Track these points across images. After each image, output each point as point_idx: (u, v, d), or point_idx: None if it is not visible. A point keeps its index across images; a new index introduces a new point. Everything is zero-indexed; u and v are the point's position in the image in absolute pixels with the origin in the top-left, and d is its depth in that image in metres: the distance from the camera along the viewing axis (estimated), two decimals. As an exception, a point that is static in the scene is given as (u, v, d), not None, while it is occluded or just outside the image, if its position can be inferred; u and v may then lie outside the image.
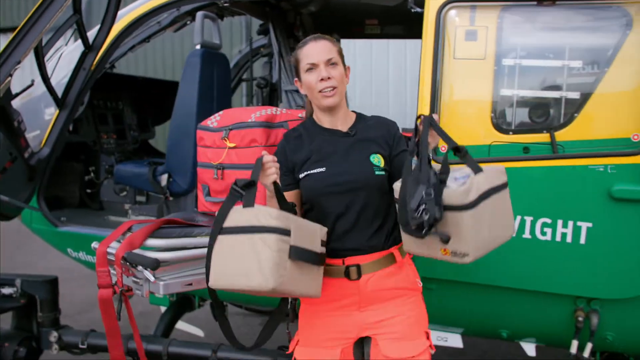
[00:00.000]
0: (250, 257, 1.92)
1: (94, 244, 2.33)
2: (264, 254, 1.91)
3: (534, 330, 3.21)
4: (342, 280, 2.27)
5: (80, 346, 3.48)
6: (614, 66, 2.80)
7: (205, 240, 2.37)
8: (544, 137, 2.87)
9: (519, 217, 2.86)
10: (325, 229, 2.18)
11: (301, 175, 2.29)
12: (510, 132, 2.92)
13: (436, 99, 2.93)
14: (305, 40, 2.33)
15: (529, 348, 3.33)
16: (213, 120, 2.71)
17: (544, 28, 2.94)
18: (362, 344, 2.38)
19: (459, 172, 2.11)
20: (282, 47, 4.21)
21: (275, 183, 2.11)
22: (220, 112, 2.75)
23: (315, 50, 2.25)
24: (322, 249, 2.13)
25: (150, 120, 5.20)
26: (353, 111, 2.44)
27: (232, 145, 2.57)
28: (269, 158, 2.07)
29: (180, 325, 4.11)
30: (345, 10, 4.40)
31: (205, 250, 2.33)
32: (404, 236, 2.13)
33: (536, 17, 2.91)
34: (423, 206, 1.93)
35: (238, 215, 1.98)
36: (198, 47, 3.78)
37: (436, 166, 2.14)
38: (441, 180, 2.03)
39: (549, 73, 2.95)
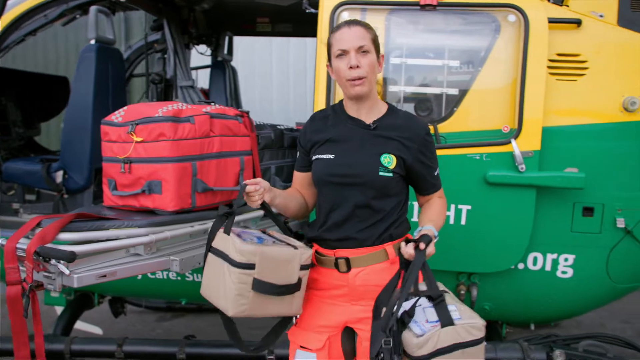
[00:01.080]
0: (221, 281, 2.11)
1: (1, 240, 2.30)
2: (228, 283, 2.07)
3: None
4: (333, 271, 2.28)
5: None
6: (486, 66, 3.14)
7: (117, 232, 2.41)
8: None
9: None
10: (309, 252, 2.20)
11: (313, 158, 2.32)
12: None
13: (331, 95, 3.14)
14: (339, 24, 2.26)
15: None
16: (117, 116, 2.72)
17: (426, 30, 3.23)
18: (353, 336, 2.37)
19: (433, 316, 2.05)
20: (176, 43, 4.24)
21: (263, 204, 2.22)
22: (125, 108, 2.76)
23: (347, 36, 2.17)
24: (299, 274, 2.15)
25: (36, 116, 5.00)
26: (387, 102, 2.38)
27: (139, 139, 2.60)
28: (251, 188, 2.16)
29: (78, 324, 4.04)
30: (238, 8, 4.48)
31: (118, 242, 2.40)
32: None
33: (420, 20, 3.19)
34: (381, 355, 1.98)
35: (218, 240, 2.18)
36: (92, 42, 3.72)
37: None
38: (403, 322, 2.02)
39: (431, 71, 3.25)
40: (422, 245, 2.07)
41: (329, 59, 2.29)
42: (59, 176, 3.65)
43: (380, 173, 2.20)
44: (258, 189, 2.18)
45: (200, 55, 5.12)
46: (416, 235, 2.15)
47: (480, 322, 2.06)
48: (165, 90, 4.52)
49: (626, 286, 3.37)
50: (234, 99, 5.01)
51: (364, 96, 2.23)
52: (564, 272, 3.26)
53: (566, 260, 3.25)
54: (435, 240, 2.14)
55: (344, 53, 2.18)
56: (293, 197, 2.43)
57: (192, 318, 5.53)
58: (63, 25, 4.46)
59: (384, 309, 2.09)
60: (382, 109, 2.32)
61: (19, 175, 3.75)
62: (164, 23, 4.22)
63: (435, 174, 2.37)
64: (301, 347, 2.34)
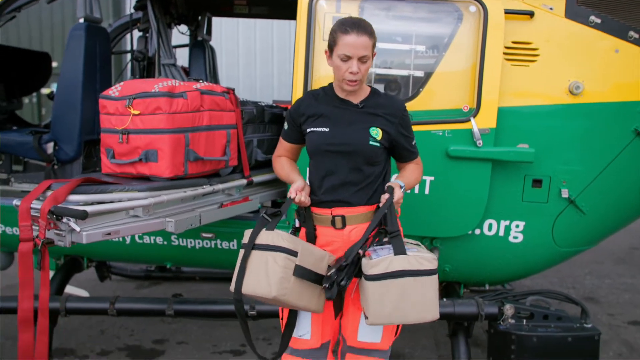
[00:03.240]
0: (263, 270, 2.34)
1: (16, 201, 2.55)
2: (272, 269, 2.33)
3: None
4: (329, 229, 2.59)
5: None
6: (449, 51, 3.45)
7: (120, 195, 2.69)
8: (396, 107, 3.49)
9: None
10: (333, 257, 2.50)
11: (308, 130, 2.60)
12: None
13: (309, 75, 3.42)
14: (347, 24, 2.46)
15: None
16: (114, 90, 2.96)
17: (396, 17, 3.53)
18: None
19: (388, 250, 2.41)
20: (159, 23, 4.45)
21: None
22: (121, 83, 3.01)
23: (355, 44, 2.41)
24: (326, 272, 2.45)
25: (18, 91, 5.14)
26: (369, 85, 2.70)
27: (136, 112, 2.86)
28: (297, 198, 2.52)
29: (67, 288, 4.28)
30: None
31: (122, 204, 2.67)
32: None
33: (390, 7, 3.48)
34: (326, 285, 2.38)
35: (263, 236, 2.41)
36: (81, 20, 3.92)
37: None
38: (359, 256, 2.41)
39: (400, 55, 3.55)
40: (386, 195, 2.49)
41: (330, 50, 2.52)
42: (49, 147, 3.86)
43: (370, 143, 2.56)
44: (306, 193, 2.58)
45: (179, 34, 5.32)
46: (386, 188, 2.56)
47: (431, 256, 2.40)
48: (147, 67, 4.72)
49: (569, 250, 3.77)
50: (213, 77, 5.24)
51: (355, 92, 2.60)
52: (515, 237, 3.64)
53: (517, 226, 3.63)
54: (402, 189, 2.55)
55: (347, 59, 2.45)
56: (295, 166, 2.81)
57: (169, 285, 5.79)
58: (48, 3, 4.63)
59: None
60: (367, 91, 2.66)
61: (11, 146, 3.94)
62: (147, 3, 4.42)
63: (413, 143, 2.73)
64: None
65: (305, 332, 2.60)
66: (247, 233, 2.46)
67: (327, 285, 2.38)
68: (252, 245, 2.39)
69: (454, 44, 3.46)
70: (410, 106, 3.45)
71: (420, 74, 3.49)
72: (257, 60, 10.66)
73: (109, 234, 2.58)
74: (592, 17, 3.42)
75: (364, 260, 2.39)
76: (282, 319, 2.68)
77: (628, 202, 3.72)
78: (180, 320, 4.78)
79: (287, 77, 10.43)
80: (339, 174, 2.58)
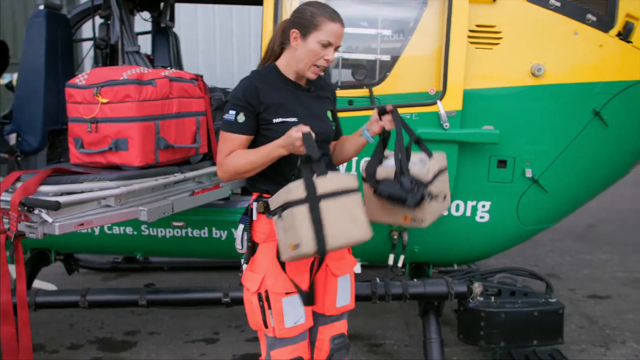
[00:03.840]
0: (346, 216, 2.19)
1: (-17, 194, 2.50)
2: (356, 211, 2.23)
3: (361, 251, 3.90)
4: None
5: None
6: (415, 35, 3.51)
7: (92, 185, 2.65)
8: (364, 92, 3.52)
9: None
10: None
11: (275, 120, 2.40)
12: (338, 88, 3.51)
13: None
14: (334, 13, 2.41)
15: (357, 267, 4.05)
16: (81, 79, 2.91)
17: (362, 1, 3.57)
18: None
19: (416, 156, 2.74)
20: (122, 9, 4.38)
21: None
22: (87, 71, 2.96)
23: (339, 33, 2.41)
24: None
25: (-25, 81, 5.00)
26: None
27: (105, 100, 2.82)
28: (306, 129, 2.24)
29: (34, 283, 4.21)
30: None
31: (94, 193, 2.64)
32: (374, 207, 2.63)
33: (357, -8, 3.52)
34: (415, 186, 2.51)
35: (323, 183, 2.18)
36: (41, 7, 3.82)
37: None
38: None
39: (366, 39, 3.60)
40: (389, 107, 2.56)
41: (305, 33, 2.38)
42: (12, 138, 3.77)
43: (333, 127, 2.61)
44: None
45: (141, 21, 5.24)
46: (374, 114, 2.60)
47: (444, 153, 2.95)
48: (110, 55, 4.64)
49: (533, 228, 3.89)
50: (177, 65, 5.19)
51: None
52: (481, 217, 3.74)
53: (484, 206, 3.73)
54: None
55: (329, 45, 2.39)
56: None
57: (137, 277, 5.74)
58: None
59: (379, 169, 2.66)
60: None
61: None
62: (110, -9, 4.34)
63: None
64: (286, 293, 2.45)
65: (299, 316, 2.49)
66: (297, 187, 2.17)
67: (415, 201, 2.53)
68: (319, 197, 2.17)
69: (419, 28, 3.52)
70: (378, 90, 3.52)
71: (386, 58, 3.55)
72: (216, 46, 10.59)
73: (82, 224, 2.55)
74: (552, 0, 3.50)
75: (416, 169, 2.63)
76: (267, 309, 2.47)
77: (587, 180, 3.85)
78: (152, 311, 4.74)
79: (248, 64, 10.39)
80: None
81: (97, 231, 3.79)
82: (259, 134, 2.45)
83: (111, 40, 4.61)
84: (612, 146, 3.71)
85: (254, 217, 2.46)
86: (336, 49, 2.45)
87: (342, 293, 2.63)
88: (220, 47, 10.62)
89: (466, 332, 3.62)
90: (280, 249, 2.25)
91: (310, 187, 2.16)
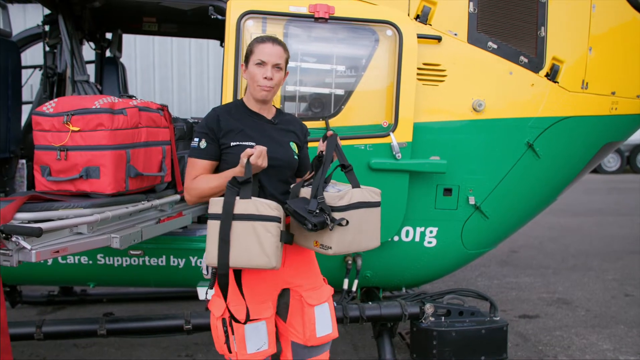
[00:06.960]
0: (253, 241, 2.32)
1: (-43, 222, 2.43)
2: (266, 239, 2.33)
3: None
4: None
5: None
6: (368, 71, 3.73)
7: (67, 212, 2.65)
8: (320, 124, 3.70)
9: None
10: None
11: (232, 144, 2.59)
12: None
13: (237, 92, 3.54)
14: (264, 37, 2.65)
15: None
16: (49, 107, 2.91)
17: (318, 39, 3.76)
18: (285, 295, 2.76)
19: (343, 186, 2.65)
20: (72, 38, 4.35)
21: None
22: (55, 100, 2.96)
23: (269, 51, 2.59)
24: None
25: None
26: (274, 106, 2.82)
27: (75, 129, 2.83)
28: (253, 158, 2.41)
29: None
30: (125, 7, 4.67)
31: (71, 220, 2.64)
32: (295, 230, 2.60)
33: (313, 30, 3.70)
34: (319, 210, 2.43)
35: (239, 206, 2.34)
36: (-8, 34, 3.77)
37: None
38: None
39: (322, 74, 3.78)
40: (329, 132, 2.67)
41: (247, 61, 2.67)
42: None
43: (294, 157, 2.74)
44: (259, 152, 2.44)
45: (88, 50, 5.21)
46: (321, 142, 2.71)
47: (378, 190, 2.66)
48: (58, 84, 4.59)
49: (475, 252, 4.18)
50: (125, 94, 5.18)
51: (267, 101, 2.71)
52: (429, 242, 3.98)
53: (431, 232, 3.97)
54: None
55: (262, 64, 2.60)
56: None
57: (74, 310, 5.58)
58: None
59: (302, 189, 2.59)
60: (274, 109, 2.82)
61: None
62: (58, 18, 4.31)
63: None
64: (249, 320, 2.56)
65: (262, 343, 2.62)
66: (216, 203, 2.38)
67: (312, 224, 2.38)
68: (232, 216, 2.34)
69: (372, 64, 3.74)
70: (333, 122, 3.70)
71: (341, 92, 3.74)
72: (173, 74, 10.57)
73: (57, 251, 2.54)
74: (490, 43, 3.85)
75: (329, 194, 2.50)
76: (231, 334, 2.59)
77: (522, 206, 4.19)
78: (96, 342, 4.64)
79: (204, 91, 10.44)
80: (269, 187, 2.65)
81: (49, 261, 3.70)
82: (220, 159, 2.65)
83: (58, 68, 4.57)
84: (543, 175, 4.08)
85: None
86: (278, 67, 2.62)
87: (321, 322, 2.74)
88: (177, 75, 10.62)
89: (419, 351, 3.81)
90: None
91: (228, 205, 2.35)
